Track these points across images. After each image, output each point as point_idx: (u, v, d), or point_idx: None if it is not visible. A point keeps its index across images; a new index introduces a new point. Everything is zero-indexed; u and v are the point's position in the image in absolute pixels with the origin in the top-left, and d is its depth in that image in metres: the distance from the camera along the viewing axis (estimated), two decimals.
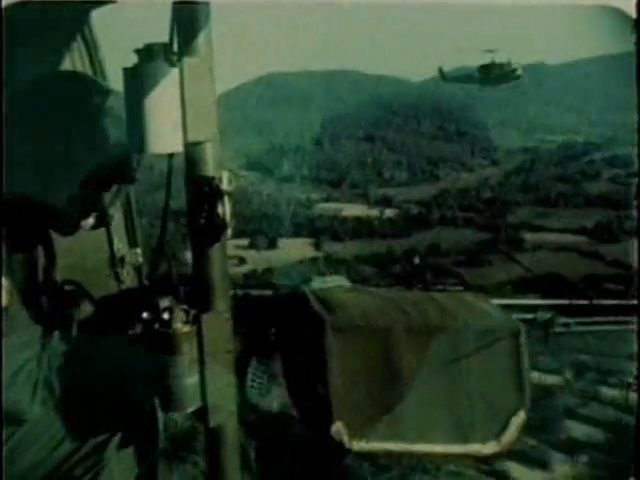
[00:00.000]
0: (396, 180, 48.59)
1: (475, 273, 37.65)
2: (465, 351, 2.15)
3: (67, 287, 2.13)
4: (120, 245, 2.92)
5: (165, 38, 1.70)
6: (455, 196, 45.53)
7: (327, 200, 46.77)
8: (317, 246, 38.94)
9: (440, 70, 46.39)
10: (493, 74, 43.13)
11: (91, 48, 2.80)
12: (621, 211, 40.26)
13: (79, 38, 2.78)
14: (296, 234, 38.20)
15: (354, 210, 45.03)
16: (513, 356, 2.18)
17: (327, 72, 60.90)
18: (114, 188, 2.01)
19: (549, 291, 30.82)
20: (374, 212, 45.12)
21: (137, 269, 2.98)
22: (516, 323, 2.26)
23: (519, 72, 43.71)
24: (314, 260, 36.07)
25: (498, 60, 43.33)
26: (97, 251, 2.93)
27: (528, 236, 41.07)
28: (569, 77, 57.88)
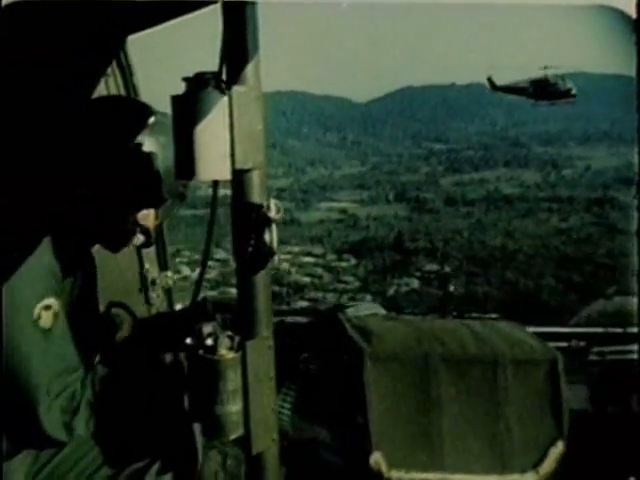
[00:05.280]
0: (271, 174, 59.00)
1: None
2: (503, 380, 2.14)
3: (114, 310, 2.14)
4: (151, 268, 2.93)
5: (195, 67, 1.72)
6: (300, 184, 57.29)
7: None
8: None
9: (489, 79, 46.43)
10: (547, 90, 43.59)
11: (126, 73, 2.82)
12: (395, 189, 53.93)
13: (114, 63, 2.81)
14: None
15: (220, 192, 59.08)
16: (551, 385, 2.17)
17: (274, 92, 66.88)
18: (165, 205, 2.03)
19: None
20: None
21: (167, 292, 2.98)
22: (553, 352, 2.24)
23: (573, 92, 44.09)
24: None
25: (551, 77, 43.83)
26: (127, 274, 2.95)
27: (322, 204, 54.12)
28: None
